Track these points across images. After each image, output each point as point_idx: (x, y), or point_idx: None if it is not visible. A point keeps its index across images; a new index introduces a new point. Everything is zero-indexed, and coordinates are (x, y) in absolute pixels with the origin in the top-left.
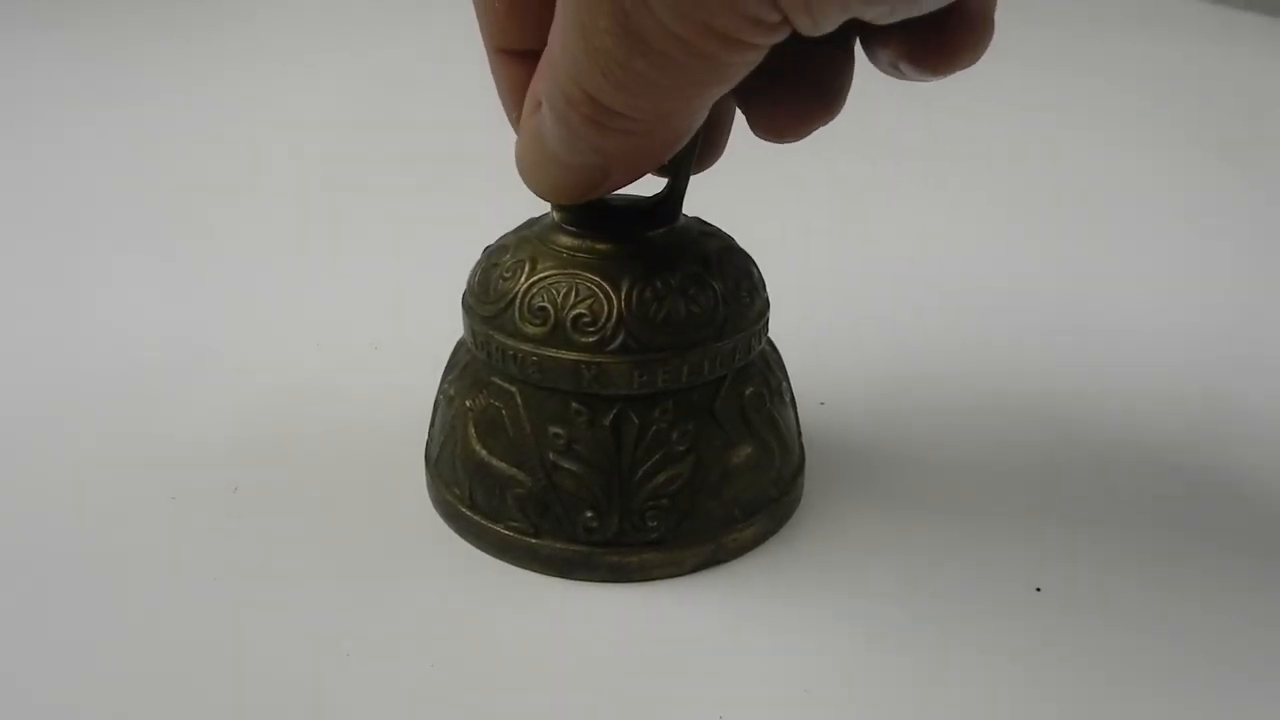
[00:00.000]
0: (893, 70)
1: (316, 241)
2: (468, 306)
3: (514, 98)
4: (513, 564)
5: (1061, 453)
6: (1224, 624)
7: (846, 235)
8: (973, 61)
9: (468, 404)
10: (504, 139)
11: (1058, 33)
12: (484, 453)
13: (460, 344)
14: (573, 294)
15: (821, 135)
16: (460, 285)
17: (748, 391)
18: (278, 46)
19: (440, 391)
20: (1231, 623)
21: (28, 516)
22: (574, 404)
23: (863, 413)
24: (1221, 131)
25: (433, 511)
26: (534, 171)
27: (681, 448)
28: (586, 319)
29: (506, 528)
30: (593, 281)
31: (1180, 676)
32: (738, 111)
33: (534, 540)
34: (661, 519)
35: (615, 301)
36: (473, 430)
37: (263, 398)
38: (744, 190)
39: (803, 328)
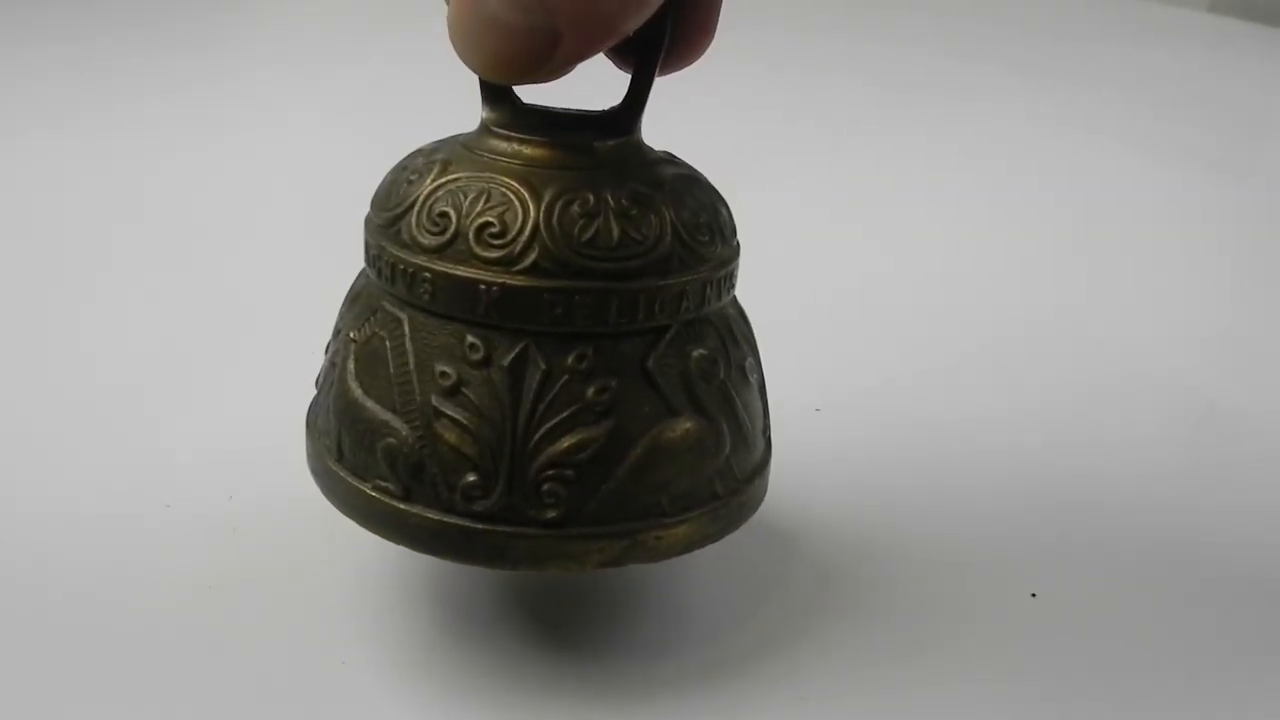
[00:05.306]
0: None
1: (311, 244)
2: (367, 218)
3: None
4: (378, 534)
5: (1058, 459)
6: (1219, 628)
7: (843, 240)
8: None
9: (352, 335)
10: None
11: (1056, 42)
12: (359, 391)
13: (362, 271)
14: (482, 199)
15: (824, 139)
16: None
17: (696, 354)
18: (268, 65)
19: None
20: (1226, 627)
21: (22, 522)
22: (470, 337)
23: (858, 419)
24: (1220, 140)
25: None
26: (470, 37)
27: (599, 408)
28: (494, 229)
29: (374, 488)
30: (510, 188)
31: (1174, 681)
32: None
33: (401, 505)
34: (563, 495)
35: (533, 212)
36: (352, 365)
37: (258, 404)
38: (740, 197)
39: (798, 333)
